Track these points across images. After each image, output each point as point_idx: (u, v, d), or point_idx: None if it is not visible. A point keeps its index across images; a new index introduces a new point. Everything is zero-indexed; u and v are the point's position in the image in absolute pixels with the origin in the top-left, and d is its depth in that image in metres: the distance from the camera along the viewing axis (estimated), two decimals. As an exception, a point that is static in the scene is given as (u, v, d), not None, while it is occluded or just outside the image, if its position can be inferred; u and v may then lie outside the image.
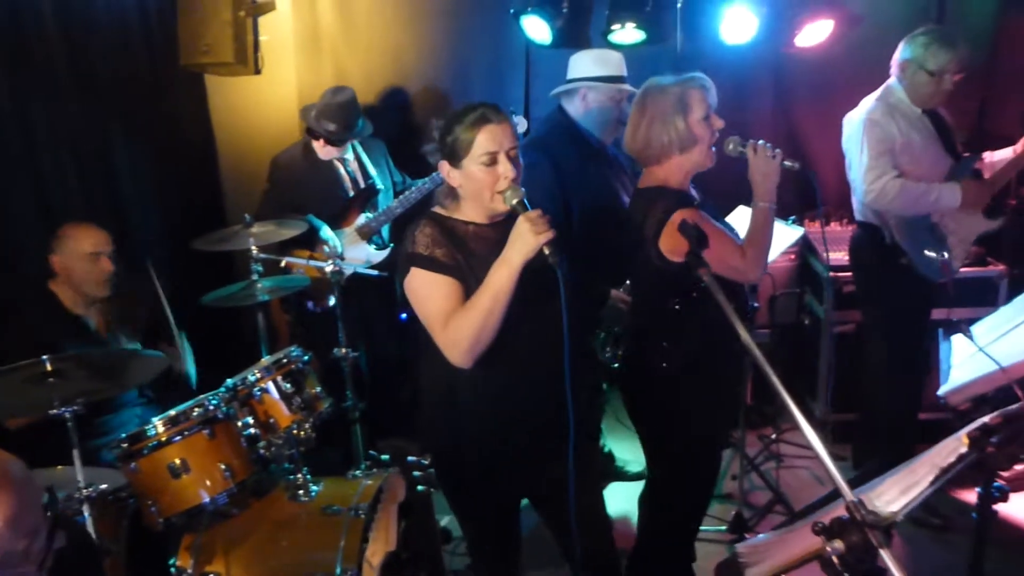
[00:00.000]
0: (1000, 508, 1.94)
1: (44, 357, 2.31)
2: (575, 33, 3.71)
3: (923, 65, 3.05)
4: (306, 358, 2.88)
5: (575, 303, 1.95)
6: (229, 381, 2.71)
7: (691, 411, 2.38)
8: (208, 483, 2.45)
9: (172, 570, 2.43)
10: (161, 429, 2.44)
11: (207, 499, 2.45)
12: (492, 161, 1.94)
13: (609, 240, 2.61)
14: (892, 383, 3.37)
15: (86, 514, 2.33)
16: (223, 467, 2.48)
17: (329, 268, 3.27)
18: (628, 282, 2.91)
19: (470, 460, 2.11)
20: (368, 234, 3.80)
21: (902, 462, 1.60)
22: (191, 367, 3.21)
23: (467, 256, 1.99)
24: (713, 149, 2.35)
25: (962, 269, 3.36)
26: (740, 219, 3.12)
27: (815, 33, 3.65)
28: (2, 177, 3.35)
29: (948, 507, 3.28)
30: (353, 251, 3.77)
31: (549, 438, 2.06)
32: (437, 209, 2.10)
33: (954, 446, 1.52)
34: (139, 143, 3.80)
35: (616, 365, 2.83)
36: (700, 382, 2.38)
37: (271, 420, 2.71)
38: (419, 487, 2.68)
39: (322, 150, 3.75)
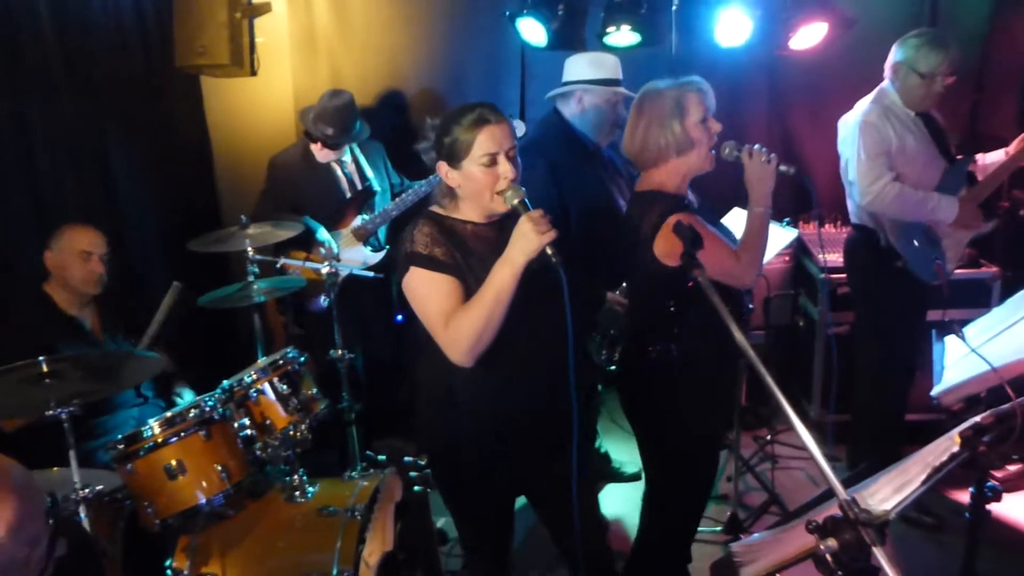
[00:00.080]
0: (993, 508, 1.97)
1: (40, 358, 2.30)
2: (570, 35, 3.71)
3: (914, 67, 3.06)
4: (302, 359, 2.88)
5: (573, 305, 1.95)
6: (225, 382, 2.71)
7: (689, 412, 2.38)
8: (204, 484, 2.45)
9: (168, 571, 2.43)
10: (157, 430, 2.44)
11: (203, 500, 2.45)
12: (492, 162, 1.94)
13: (606, 243, 2.61)
14: (881, 384, 3.38)
15: (82, 515, 2.33)
16: (219, 468, 2.48)
17: (325, 270, 3.28)
18: (625, 284, 2.93)
19: (469, 460, 2.11)
20: (364, 236, 3.80)
21: (889, 463, 1.61)
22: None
23: (466, 255, 1.99)
24: (713, 152, 2.36)
25: (955, 271, 3.37)
26: (735, 221, 3.13)
27: (809, 36, 3.66)
28: (-2, 178, 3.35)
29: (942, 507, 3.29)
30: (349, 253, 3.77)
31: (548, 437, 2.06)
32: (435, 208, 2.09)
33: (946, 445, 1.53)
34: (135, 144, 3.80)
35: (612, 368, 2.84)
36: (697, 383, 2.38)
37: (267, 421, 2.71)
38: (416, 488, 2.68)
39: (320, 153, 3.75)
